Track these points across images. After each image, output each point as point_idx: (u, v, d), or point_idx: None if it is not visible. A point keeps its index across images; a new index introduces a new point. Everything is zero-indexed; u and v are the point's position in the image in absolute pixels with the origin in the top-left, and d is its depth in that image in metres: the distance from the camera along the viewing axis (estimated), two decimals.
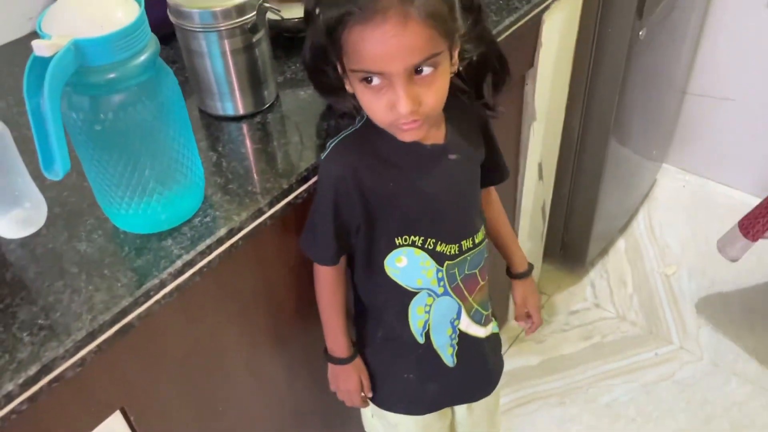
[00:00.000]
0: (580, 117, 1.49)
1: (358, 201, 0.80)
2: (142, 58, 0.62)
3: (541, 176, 1.47)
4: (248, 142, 0.85)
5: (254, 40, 0.82)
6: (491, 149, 0.91)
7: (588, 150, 1.53)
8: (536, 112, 1.31)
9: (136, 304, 0.66)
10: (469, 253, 0.88)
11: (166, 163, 0.68)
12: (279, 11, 0.86)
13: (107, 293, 0.66)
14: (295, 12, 0.97)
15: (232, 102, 0.86)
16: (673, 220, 1.95)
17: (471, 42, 0.77)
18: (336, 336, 0.92)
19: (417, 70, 0.69)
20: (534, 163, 1.41)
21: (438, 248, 0.85)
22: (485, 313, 0.95)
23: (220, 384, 0.87)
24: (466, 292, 0.90)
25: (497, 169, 0.95)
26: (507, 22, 1.03)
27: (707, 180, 2.04)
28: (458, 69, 0.78)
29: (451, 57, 0.74)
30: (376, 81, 0.70)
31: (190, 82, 0.87)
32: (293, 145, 0.84)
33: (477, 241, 0.89)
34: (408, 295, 0.87)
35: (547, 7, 1.14)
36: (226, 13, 0.78)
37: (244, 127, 0.87)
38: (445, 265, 0.86)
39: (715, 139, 1.97)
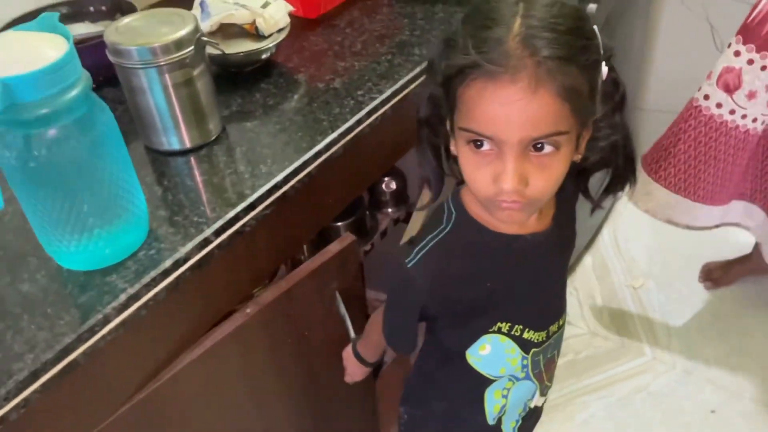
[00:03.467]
0: None
1: (449, 306, 0.75)
2: (74, 92, 0.62)
3: None
4: (195, 174, 0.85)
5: (195, 74, 0.83)
6: None
7: None
8: None
9: (80, 340, 0.65)
10: (554, 336, 0.82)
11: (105, 199, 0.68)
12: (218, 44, 0.88)
13: (50, 332, 0.65)
14: (238, 47, 0.99)
15: (176, 136, 0.86)
16: (638, 233, 1.97)
17: (603, 131, 0.68)
18: (372, 350, 0.96)
19: (536, 146, 0.61)
20: None
21: (525, 335, 0.78)
22: (550, 385, 0.91)
23: (176, 419, 0.85)
24: (545, 375, 0.86)
25: None
26: None
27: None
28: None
29: (578, 143, 0.65)
30: (485, 146, 0.62)
31: (134, 119, 0.87)
32: (240, 175, 0.84)
33: (561, 323, 0.83)
34: (486, 382, 0.81)
35: None
36: (165, 49, 0.80)
37: (191, 160, 0.87)
38: (531, 352, 0.80)
39: None
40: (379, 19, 1.15)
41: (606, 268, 1.89)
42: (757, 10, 1.23)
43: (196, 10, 1.02)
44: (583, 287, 1.84)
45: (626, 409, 1.55)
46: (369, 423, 1.27)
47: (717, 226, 1.57)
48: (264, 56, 1.01)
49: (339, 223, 1.34)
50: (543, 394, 0.90)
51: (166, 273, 0.72)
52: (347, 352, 1.01)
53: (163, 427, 0.84)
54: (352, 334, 1.00)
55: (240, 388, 0.94)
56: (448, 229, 0.72)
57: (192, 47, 0.81)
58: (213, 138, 0.89)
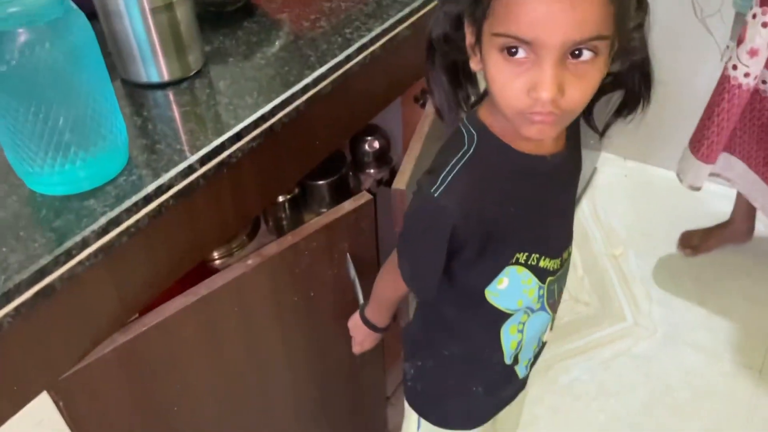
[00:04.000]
0: None
1: (478, 238, 0.70)
2: None
3: None
4: (175, 106, 0.81)
5: (174, 0, 0.79)
6: None
7: None
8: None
9: (57, 263, 0.61)
10: (566, 263, 0.81)
11: (82, 115, 0.64)
12: None
13: (23, 253, 0.61)
14: None
15: (155, 67, 0.82)
16: (616, 204, 1.98)
17: (632, 44, 0.64)
18: (383, 312, 0.92)
19: (574, 53, 0.57)
20: None
21: (542, 263, 0.76)
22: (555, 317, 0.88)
23: (159, 354, 0.81)
24: (557, 305, 0.84)
25: None
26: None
27: (645, 164, 2.09)
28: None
29: (611, 54, 0.61)
30: (521, 54, 0.58)
31: (111, 50, 0.83)
32: (223, 106, 0.80)
33: (571, 250, 0.81)
34: (503, 318, 0.78)
35: None
36: None
37: (170, 94, 0.83)
38: (547, 281, 0.78)
39: (648, 124, 2.02)
40: None
41: (586, 238, 1.89)
42: None
43: None
44: None
45: (608, 372, 1.54)
46: (378, 391, 1.24)
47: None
48: None
49: (321, 182, 1.31)
50: (551, 327, 0.88)
51: (148, 199, 0.68)
52: (354, 320, 0.96)
53: (151, 375, 0.80)
54: (361, 300, 0.96)
55: (238, 347, 0.90)
56: (471, 151, 0.68)
57: None
58: (194, 72, 0.85)
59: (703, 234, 1.80)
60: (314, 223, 0.91)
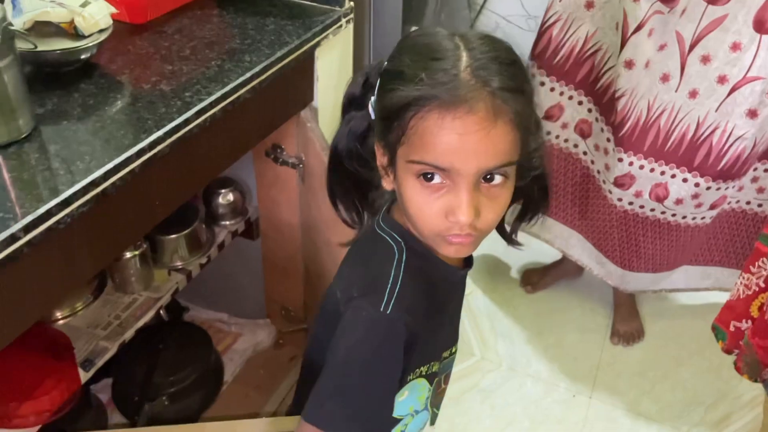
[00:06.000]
0: None
1: (406, 353, 0.67)
2: None
3: None
4: (2, 171, 0.80)
5: (1, 65, 0.79)
6: None
7: None
8: (323, 142, 1.38)
9: None
10: (447, 360, 0.81)
11: None
12: (29, 36, 0.84)
13: None
14: (56, 45, 0.95)
15: None
16: None
17: (533, 162, 0.68)
18: None
19: (485, 178, 0.61)
20: None
21: (434, 368, 0.76)
22: (438, 412, 0.88)
23: None
24: (437, 400, 0.83)
25: None
26: (279, 53, 1.09)
27: None
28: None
29: (517, 173, 0.65)
30: (437, 179, 0.61)
31: None
32: (54, 171, 0.80)
33: (455, 348, 0.82)
34: (393, 424, 0.76)
35: (317, 44, 1.22)
36: None
37: None
38: (435, 381, 0.78)
39: None
40: (209, 28, 1.16)
41: None
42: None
43: (7, 5, 0.97)
44: None
45: (458, 406, 1.64)
46: None
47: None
48: (83, 56, 0.98)
49: (172, 236, 1.31)
50: (432, 423, 0.88)
51: None
52: None
53: None
54: None
55: None
56: (404, 257, 0.69)
57: None
58: (24, 135, 0.84)
59: (541, 272, 1.98)
60: None
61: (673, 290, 1.78)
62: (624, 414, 1.65)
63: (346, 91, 0.70)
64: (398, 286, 0.66)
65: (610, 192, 1.52)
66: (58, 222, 0.76)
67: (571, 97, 1.51)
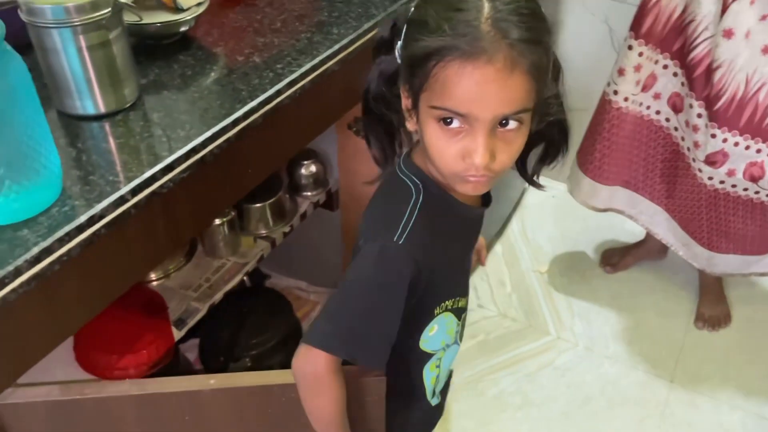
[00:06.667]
0: None
1: (422, 288, 0.72)
2: None
3: None
4: (110, 138, 0.85)
5: (111, 37, 0.83)
6: None
7: None
8: None
9: None
10: (468, 296, 0.87)
11: (16, 152, 0.67)
12: (135, 8, 0.88)
13: None
14: (157, 18, 1.00)
15: (91, 100, 0.85)
16: (543, 223, 2.09)
17: (552, 107, 0.72)
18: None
19: (502, 122, 0.65)
20: None
21: (460, 304, 0.82)
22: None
23: (93, 426, 0.83)
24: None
25: None
26: (366, 26, 1.10)
27: None
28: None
29: (533, 119, 0.69)
30: (455, 124, 0.65)
31: (48, 83, 0.86)
32: (157, 138, 0.85)
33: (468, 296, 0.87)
34: (427, 358, 0.82)
35: None
36: (80, 9, 0.79)
37: (106, 125, 0.87)
38: (462, 317, 0.84)
39: (573, 148, 2.15)
40: (299, 1, 1.18)
41: (515, 256, 1.99)
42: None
43: None
44: (493, 273, 1.93)
45: (533, 383, 1.63)
46: None
47: (604, 210, 1.71)
48: (182, 29, 1.02)
49: (258, 204, 1.35)
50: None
51: (81, 229, 0.71)
52: None
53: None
54: None
55: None
56: (421, 199, 0.73)
57: (108, 9, 0.81)
58: (129, 104, 0.89)
59: (622, 252, 1.93)
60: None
61: (763, 274, 1.69)
62: (707, 400, 1.60)
63: (376, 35, 0.73)
64: (411, 224, 0.71)
65: (700, 170, 1.46)
66: (161, 186, 0.80)
67: (666, 66, 1.45)
